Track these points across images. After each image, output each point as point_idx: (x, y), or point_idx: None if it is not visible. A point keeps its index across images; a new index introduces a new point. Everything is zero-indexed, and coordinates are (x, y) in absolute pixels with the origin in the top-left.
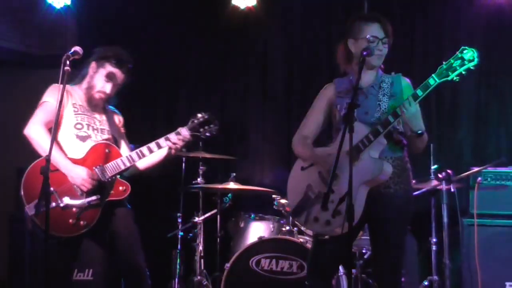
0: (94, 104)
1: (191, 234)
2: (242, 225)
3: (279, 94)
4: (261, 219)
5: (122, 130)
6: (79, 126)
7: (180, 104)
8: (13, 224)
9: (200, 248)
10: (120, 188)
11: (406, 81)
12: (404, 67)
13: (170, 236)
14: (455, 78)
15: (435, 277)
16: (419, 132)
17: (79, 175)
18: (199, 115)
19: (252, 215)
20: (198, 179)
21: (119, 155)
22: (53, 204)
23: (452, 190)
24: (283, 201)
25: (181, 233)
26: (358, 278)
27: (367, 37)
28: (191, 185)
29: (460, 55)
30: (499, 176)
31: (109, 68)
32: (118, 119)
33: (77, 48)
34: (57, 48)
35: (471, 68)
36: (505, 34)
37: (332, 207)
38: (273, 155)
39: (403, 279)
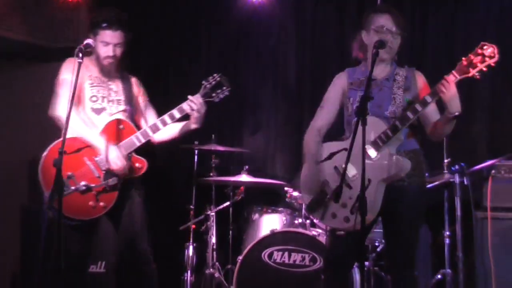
0: (107, 72)
1: (203, 227)
2: (254, 217)
3: (291, 86)
4: (273, 211)
5: (143, 95)
6: (94, 98)
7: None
8: (25, 217)
9: (213, 240)
10: (137, 165)
11: (420, 75)
12: (415, 61)
13: (183, 229)
14: (475, 75)
15: (448, 270)
16: (456, 114)
17: (110, 154)
18: (210, 78)
19: (265, 208)
20: (211, 172)
21: (134, 131)
22: (72, 188)
23: (466, 183)
24: (295, 193)
25: (193, 226)
26: (371, 271)
27: (377, 27)
28: (204, 177)
29: (480, 52)
30: None
31: (101, 33)
32: (137, 84)
33: (89, 41)
34: (69, 41)
35: (492, 64)
36: None
37: (350, 203)
38: (286, 148)
39: (416, 272)
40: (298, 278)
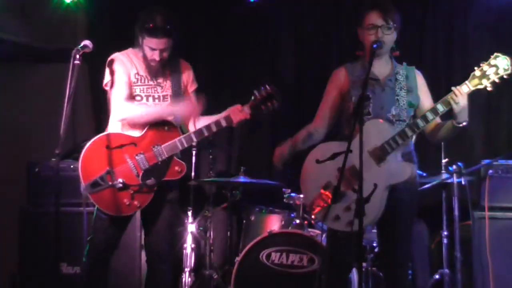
0: (154, 71)
1: (201, 228)
2: (252, 218)
3: (289, 86)
4: (271, 212)
5: (191, 85)
6: (138, 98)
7: None
8: (24, 218)
9: (210, 241)
10: (176, 168)
11: (420, 76)
12: (413, 58)
13: (181, 230)
14: (488, 86)
15: (446, 270)
16: (464, 124)
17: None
18: (262, 89)
19: (263, 209)
20: (209, 173)
21: (178, 134)
22: (109, 183)
23: (463, 183)
24: (293, 194)
25: (191, 227)
26: (369, 272)
27: (366, 24)
28: (202, 179)
29: (493, 63)
30: (510, 169)
31: (147, 38)
32: (187, 73)
33: (86, 42)
34: (67, 42)
35: (505, 77)
36: None
37: (354, 207)
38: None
39: (409, 271)
40: (296, 279)
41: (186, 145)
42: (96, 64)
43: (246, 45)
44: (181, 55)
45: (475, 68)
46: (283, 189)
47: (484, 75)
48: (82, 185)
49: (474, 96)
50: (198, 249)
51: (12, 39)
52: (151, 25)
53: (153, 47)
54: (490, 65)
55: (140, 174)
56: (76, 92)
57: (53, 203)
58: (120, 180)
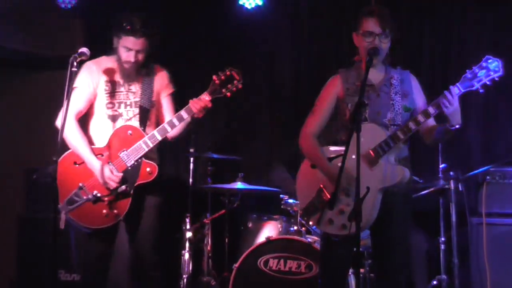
0: (127, 75)
1: (199, 235)
2: (250, 225)
3: (286, 92)
4: (269, 219)
5: (166, 89)
6: (110, 105)
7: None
8: (21, 225)
9: (208, 248)
10: (147, 170)
11: (415, 79)
12: (411, 64)
13: (178, 237)
14: (479, 89)
15: (444, 276)
16: (457, 126)
17: (102, 176)
18: (220, 73)
19: (260, 215)
20: (206, 180)
21: (142, 136)
22: (84, 198)
23: (461, 189)
24: (290, 201)
25: (189, 234)
26: (366, 278)
27: (363, 31)
28: (200, 185)
29: (485, 65)
30: (508, 175)
31: (124, 38)
32: (161, 79)
33: (84, 49)
34: (64, 49)
35: (496, 79)
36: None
37: (348, 211)
38: (281, 155)
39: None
40: (294, 285)
41: (151, 145)
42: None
43: (244, 52)
44: (179, 62)
45: (467, 70)
46: (281, 196)
47: (475, 77)
48: (59, 206)
49: (471, 102)
50: (196, 256)
51: (10, 46)
52: (129, 26)
53: (129, 46)
54: (481, 68)
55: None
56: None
57: (51, 209)
58: (94, 192)
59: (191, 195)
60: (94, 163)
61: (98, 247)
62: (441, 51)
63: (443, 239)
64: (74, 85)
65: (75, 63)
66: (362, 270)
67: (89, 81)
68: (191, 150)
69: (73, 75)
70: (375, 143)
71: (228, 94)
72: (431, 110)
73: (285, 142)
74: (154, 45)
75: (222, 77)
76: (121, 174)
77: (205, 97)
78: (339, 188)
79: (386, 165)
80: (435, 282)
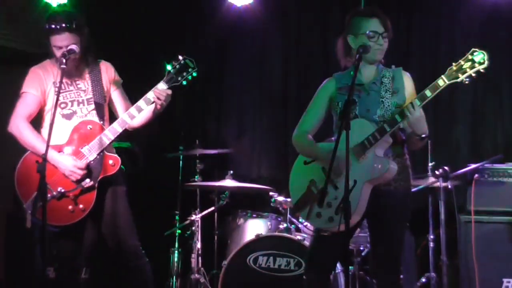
0: (72, 73)
1: (188, 232)
2: (239, 222)
3: (275, 89)
4: (258, 216)
5: (114, 82)
6: (63, 105)
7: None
8: (10, 223)
9: (198, 246)
10: (110, 162)
11: (407, 76)
12: (400, 63)
13: (168, 234)
14: (464, 80)
15: (433, 274)
16: (423, 136)
17: (66, 167)
18: (174, 62)
19: (250, 213)
20: (195, 177)
21: (102, 130)
22: (49, 196)
23: (449, 187)
24: (280, 198)
25: (178, 231)
26: (356, 276)
27: (367, 32)
28: (189, 183)
29: (470, 57)
30: (496, 173)
31: (51, 38)
32: (108, 73)
33: (73, 47)
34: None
35: (481, 71)
36: (502, 30)
37: (335, 203)
38: (271, 152)
39: (401, 276)
40: (283, 282)
41: (113, 137)
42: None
43: (233, 50)
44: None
45: (452, 63)
46: (270, 193)
47: (460, 69)
48: (25, 206)
49: (460, 100)
50: (185, 254)
51: (0, 44)
52: (51, 25)
53: (57, 44)
54: (467, 60)
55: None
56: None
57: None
58: (59, 189)
59: (180, 193)
60: (55, 156)
61: (67, 246)
62: (430, 48)
63: (432, 236)
64: (22, 91)
65: (64, 61)
66: (351, 268)
67: (36, 86)
68: (180, 147)
69: (63, 73)
70: (364, 137)
71: (184, 82)
72: (417, 102)
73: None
74: (84, 38)
75: (176, 66)
76: (85, 162)
77: (162, 86)
78: (330, 182)
79: (373, 158)
80: (424, 280)
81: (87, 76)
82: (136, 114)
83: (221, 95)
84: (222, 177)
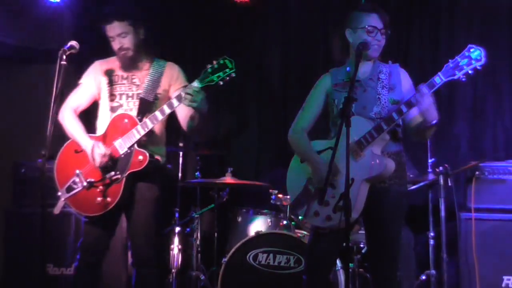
0: (128, 66)
1: (188, 229)
2: (239, 219)
3: (275, 87)
4: (258, 213)
5: (176, 84)
6: (112, 97)
7: None
8: (9, 220)
9: (197, 243)
10: (139, 157)
11: (404, 72)
12: (399, 60)
13: (168, 231)
14: (461, 78)
15: (433, 271)
16: (433, 123)
17: (92, 153)
18: (214, 61)
19: (249, 210)
20: (196, 174)
21: (136, 124)
22: (79, 185)
23: (450, 184)
24: (280, 195)
25: (178, 228)
26: (356, 273)
27: (366, 26)
28: (189, 180)
29: (467, 54)
30: (497, 170)
31: (106, 29)
32: (171, 73)
33: (73, 43)
34: (53, 43)
35: (478, 68)
36: (501, 27)
37: (333, 202)
38: (270, 149)
39: (399, 273)
40: (283, 280)
41: (143, 132)
42: (83, 65)
43: (233, 46)
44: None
45: (449, 60)
46: (270, 190)
47: (457, 67)
48: (59, 191)
49: (460, 97)
50: (185, 250)
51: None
52: (104, 14)
53: (110, 35)
54: (464, 57)
55: (103, 170)
56: (63, 92)
57: (39, 204)
58: (89, 179)
59: (180, 190)
60: (85, 143)
61: (95, 232)
62: (429, 44)
63: (432, 234)
64: (79, 81)
65: (64, 57)
66: (351, 265)
67: (91, 78)
68: (180, 144)
69: (62, 69)
70: (361, 135)
71: (220, 82)
72: (413, 100)
73: (274, 137)
74: (138, 27)
75: (215, 65)
76: (109, 150)
77: (195, 84)
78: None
79: (370, 156)
80: (424, 277)
81: (145, 72)
82: (168, 111)
83: (220, 92)
84: (222, 174)
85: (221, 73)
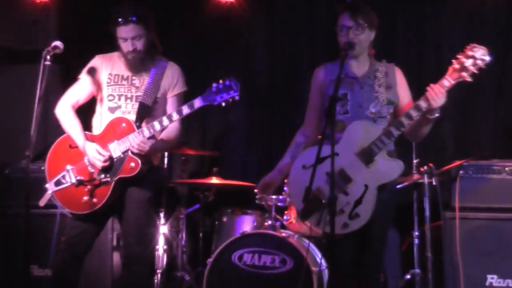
0: (133, 67)
1: (173, 229)
2: (224, 220)
3: (261, 87)
4: (243, 213)
5: (174, 88)
6: (110, 97)
7: None
8: (1, 221)
9: (183, 243)
10: (131, 164)
11: (400, 72)
12: (386, 58)
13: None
14: (467, 78)
15: (418, 271)
16: (437, 115)
17: (89, 153)
18: (220, 81)
19: (235, 210)
20: (181, 175)
21: (133, 130)
22: (68, 181)
23: (434, 183)
24: (265, 195)
25: (163, 228)
26: None
27: (338, 26)
28: (174, 180)
29: (470, 54)
30: (481, 170)
31: (118, 29)
32: (171, 76)
33: (57, 43)
34: (38, 43)
35: (483, 67)
36: (486, 27)
37: (348, 209)
38: (256, 149)
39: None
40: (268, 280)
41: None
42: (68, 65)
43: (219, 46)
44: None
45: (453, 61)
46: (255, 190)
47: (463, 67)
48: (47, 183)
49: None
50: (170, 251)
51: None
52: (117, 14)
53: (123, 36)
54: (468, 56)
55: (96, 172)
56: (48, 93)
57: (24, 205)
58: (78, 177)
59: (165, 190)
60: (80, 142)
61: (80, 226)
62: (416, 43)
63: (417, 233)
64: (79, 75)
65: (48, 57)
66: None
67: (91, 76)
68: None
69: (46, 69)
70: (369, 140)
71: (223, 103)
72: (422, 104)
73: (260, 136)
74: (149, 32)
75: (220, 86)
76: (108, 153)
77: (198, 104)
78: (334, 189)
79: (382, 162)
80: (408, 276)
81: (146, 74)
82: (165, 123)
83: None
84: (207, 175)
85: (225, 94)
